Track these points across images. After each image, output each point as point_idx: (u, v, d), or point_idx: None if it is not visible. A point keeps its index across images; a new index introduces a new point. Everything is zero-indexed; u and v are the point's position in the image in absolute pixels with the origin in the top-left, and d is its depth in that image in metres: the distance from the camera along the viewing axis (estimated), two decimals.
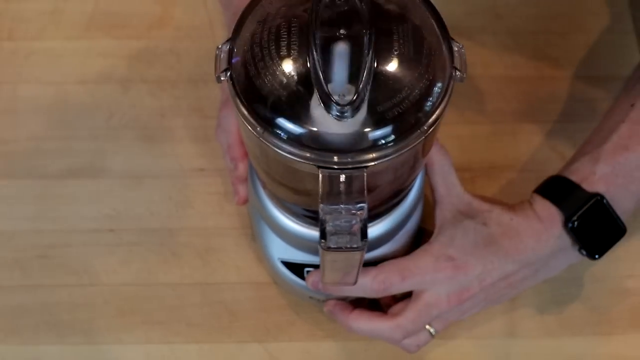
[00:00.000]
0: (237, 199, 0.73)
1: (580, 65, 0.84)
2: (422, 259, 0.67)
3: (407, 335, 0.68)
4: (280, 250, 0.70)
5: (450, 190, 0.68)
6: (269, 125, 0.50)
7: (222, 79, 0.52)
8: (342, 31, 0.49)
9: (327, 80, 0.48)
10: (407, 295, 0.69)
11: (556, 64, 0.85)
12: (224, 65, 0.52)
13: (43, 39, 0.86)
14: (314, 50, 0.48)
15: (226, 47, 0.53)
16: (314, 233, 0.65)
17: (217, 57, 0.53)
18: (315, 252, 0.67)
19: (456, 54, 0.51)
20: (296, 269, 0.70)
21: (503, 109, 0.83)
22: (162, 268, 0.77)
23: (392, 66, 0.50)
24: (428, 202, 0.73)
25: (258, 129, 0.50)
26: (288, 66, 0.50)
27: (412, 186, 0.66)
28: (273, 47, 0.51)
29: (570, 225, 0.66)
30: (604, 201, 0.66)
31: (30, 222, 0.78)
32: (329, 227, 0.49)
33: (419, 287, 0.67)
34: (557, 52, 0.85)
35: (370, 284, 0.66)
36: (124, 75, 0.84)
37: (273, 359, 0.74)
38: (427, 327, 0.68)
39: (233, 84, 0.52)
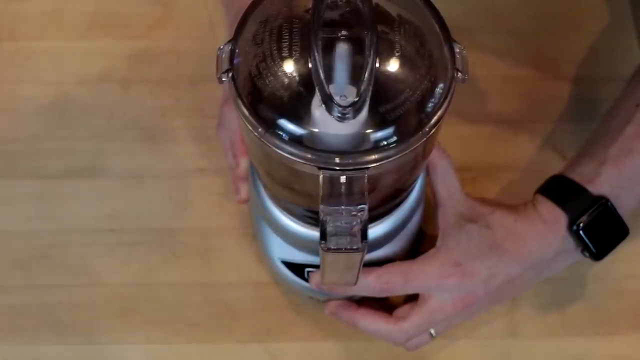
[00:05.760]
0: (238, 198, 0.72)
1: (580, 65, 0.84)
2: (428, 264, 0.67)
3: (410, 339, 0.69)
4: (281, 251, 0.70)
5: (452, 194, 0.68)
6: (270, 126, 0.50)
7: (223, 79, 0.52)
8: (343, 32, 0.49)
9: (329, 81, 0.48)
10: (412, 297, 0.69)
11: (556, 64, 0.85)
12: (225, 66, 0.52)
13: (43, 39, 0.86)
14: (316, 51, 0.48)
15: (228, 48, 0.53)
16: (314, 233, 0.65)
17: (218, 57, 0.53)
18: (315, 253, 0.67)
19: (458, 55, 0.51)
20: (297, 269, 0.70)
21: (503, 109, 0.83)
22: (162, 268, 0.77)
23: (394, 67, 0.50)
24: (429, 204, 0.73)
25: (259, 129, 0.50)
26: (289, 67, 0.50)
27: (413, 187, 0.66)
28: (275, 47, 0.51)
29: (575, 227, 0.65)
30: (609, 204, 0.65)
31: (30, 222, 0.78)
32: (329, 228, 0.49)
33: (422, 291, 0.67)
34: (557, 52, 0.85)
35: (373, 284, 0.66)
36: (125, 75, 0.84)
37: (273, 358, 0.74)
38: (430, 330, 0.69)
39: (234, 85, 0.52)
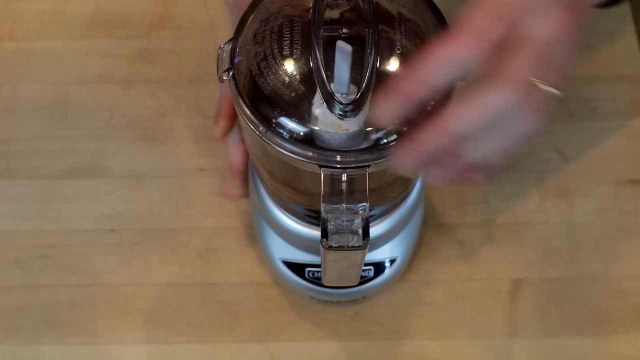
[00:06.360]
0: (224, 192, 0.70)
1: (580, 65, 0.84)
2: None
3: (520, 98, 0.46)
4: (282, 250, 0.70)
5: None
6: (271, 125, 0.50)
7: (224, 78, 0.52)
8: (344, 30, 0.50)
9: (330, 79, 0.48)
10: None
11: None
12: (226, 65, 0.52)
13: (44, 39, 0.86)
14: (317, 50, 0.48)
15: (228, 47, 0.53)
16: (315, 233, 0.65)
17: (219, 56, 0.53)
18: (316, 252, 0.67)
19: None
20: (297, 268, 0.70)
21: None
22: (162, 268, 0.77)
23: (395, 65, 0.50)
24: (429, 203, 0.74)
25: (260, 128, 0.50)
26: (290, 65, 0.50)
27: (414, 186, 0.66)
28: (275, 46, 0.51)
29: None
30: None
31: (31, 222, 0.78)
32: (330, 226, 0.50)
33: (509, 23, 0.46)
34: None
35: (476, 36, 0.45)
36: (125, 75, 0.84)
37: (273, 359, 0.74)
38: (543, 86, 0.47)
39: (235, 84, 0.52)
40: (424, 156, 0.46)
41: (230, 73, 0.52)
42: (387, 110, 0.46)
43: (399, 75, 0.46)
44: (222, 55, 0.53)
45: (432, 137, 0.46)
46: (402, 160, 0.47)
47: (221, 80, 0.53)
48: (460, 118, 0.46)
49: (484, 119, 0.46)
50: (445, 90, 0.50)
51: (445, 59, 0.45)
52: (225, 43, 0.53)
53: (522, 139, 0.48)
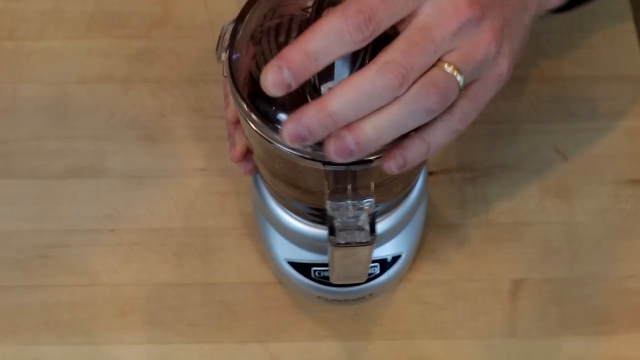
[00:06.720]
0: (231, 154, 0.65)
1: (580, 65, 0.84)
2: None
3: (405, 78, 0.47)
4: (286, 251, 0.70)
5: None
6: (271, 122, 0.50)
7: (222, 58, 0.52)
8: None
9: (330, 77, 0.48)
10: None
11: (556, 63, 0.85)
12: (226, 43, 0.52)
13: (43, 39, 0.86)
14: None
15: (231, 27, 0.53)
16: (319, 232, 0.65)
17: (221, 35, 0.53)
18: (321, 251, 0.67)
19: None
20: (303, 269, 0.70)
21: (503, 109, 0.83)
22: (162, 268, 0.77)
23: None
24: (430, 203, 0.73)
25: (260, 126, 0.50)
26: None
27: (417, 181, 0.66)
28: (274, 43, 0.51)
29: None
30: None
31: (31, 222, 0.78)
32: (337, 223, 0.50)
33: (411, 6, 0.48)
34: (558, 51, 0.85)
35: (344, 23, 0.46)
36: (124, 75, 0.84)
37: (274, 359, 0.74)
38: (446, 66, 0.48)
39: (234, 80, 0.52)
40: (305, 130, 0.46)
41: (228, 52, 0.52)
42: (272, 76, 0.45)
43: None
44: (224, 35, 0.53)
45: (309, 111, 0.46)
46: (284, 134, 0.47)
47: (219, 59, 0.52)
48: (333, 96, 0.46)
49: (354, 97, 0.46)
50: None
51: (320, 30, 0.45)
52: (229, 23, 0.53)
53: (414, 117, 0.48)
